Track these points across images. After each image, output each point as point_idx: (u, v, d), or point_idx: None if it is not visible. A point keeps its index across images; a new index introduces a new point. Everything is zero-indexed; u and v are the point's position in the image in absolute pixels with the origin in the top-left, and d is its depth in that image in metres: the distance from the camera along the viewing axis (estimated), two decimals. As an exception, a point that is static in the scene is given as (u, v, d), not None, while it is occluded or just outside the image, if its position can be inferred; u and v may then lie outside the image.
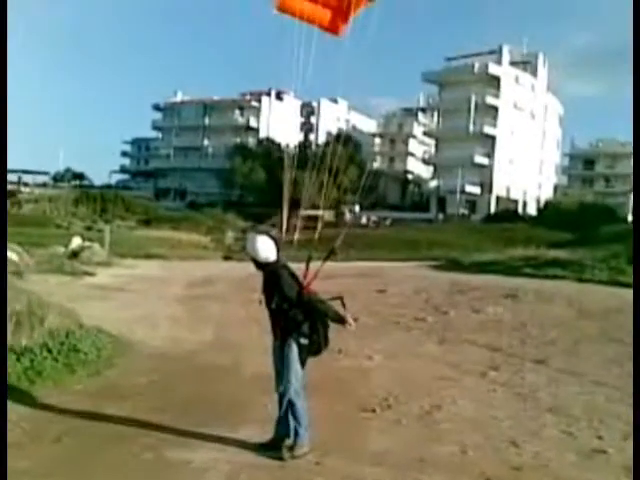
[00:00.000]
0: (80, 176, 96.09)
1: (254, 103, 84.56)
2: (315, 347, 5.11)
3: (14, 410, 5.77)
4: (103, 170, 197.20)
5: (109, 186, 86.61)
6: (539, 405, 6.86)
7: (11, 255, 17.48)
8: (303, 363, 5.10)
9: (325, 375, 7.95)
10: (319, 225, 6.19)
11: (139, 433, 5.37)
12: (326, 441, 5.38)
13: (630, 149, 80.00)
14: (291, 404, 5.01)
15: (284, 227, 5.55)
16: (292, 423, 5.03)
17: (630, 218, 58.88)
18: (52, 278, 16.47)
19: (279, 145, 72.30)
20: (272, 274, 5.06)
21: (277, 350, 5.17)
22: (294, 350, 5.01)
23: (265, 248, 5.04)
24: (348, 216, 62.29)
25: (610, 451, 5.41)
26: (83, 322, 9.00)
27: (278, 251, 5.10)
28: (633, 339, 6.59)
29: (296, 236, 5.69)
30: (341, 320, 5.11)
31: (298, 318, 5.00)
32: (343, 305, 5.23)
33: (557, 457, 5.27)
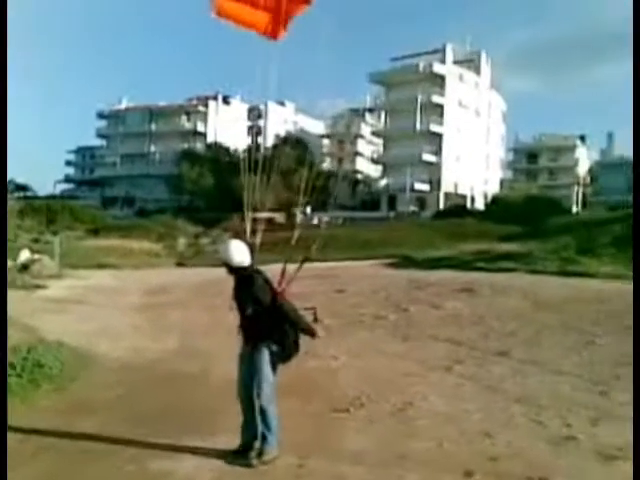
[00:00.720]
0: (23, 187, 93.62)
1: (201, 108, 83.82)
2: (287, 353, 5.12)
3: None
4: (47, 180, 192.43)
5: (54, 196, 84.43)
6: (507, 396, 7.00)
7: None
8: (274, 369, 5.10)
9: (293, 377, 7.94)
10: (295, 231, 6.25)
11: (116, 447, 5.28)
12: (304, 443, 5.41)
13: (572, 142, 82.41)
14: (262, 410, 5.00)
15: (248, 231, 5.51)
16: (261, 428, 5.01)
17: (575, 209, 60.61)
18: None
19: (227, 149, 71.88)
20: (246, 279, 5.05)
21: (246, 356, 5.13)
22: (266, 356, 5.00)
23: (239, 253, 5.04)
24: (300, 217, 62.31)
25: (580, 437, 5.57)
26: (43, 337, 8.81)
27: (251, 256, 5.11)
28: (633, 338, 6.78)
29: (258, 239, 5.61)
30: (311, 332, 5.16)
31: (271, 324, 4.98)
32: (315, 317, 5.39)
33: (530, 445, 5.40)
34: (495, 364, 8.70)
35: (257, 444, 5.03)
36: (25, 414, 6.12)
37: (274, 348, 5.01)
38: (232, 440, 5.34)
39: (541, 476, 4.67)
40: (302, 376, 8.05)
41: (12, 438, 5.43)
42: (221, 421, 6.04)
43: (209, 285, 18.97)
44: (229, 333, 10.15)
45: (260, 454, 4.97)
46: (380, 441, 5.56)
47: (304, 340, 9.83)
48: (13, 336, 7.99)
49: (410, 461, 5.00)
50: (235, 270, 5.07)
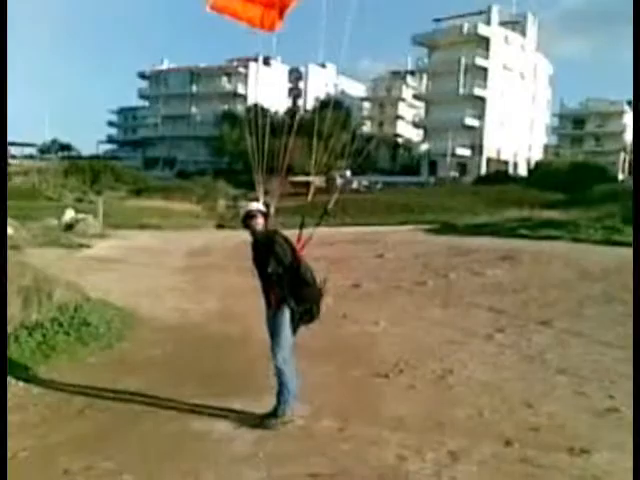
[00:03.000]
0: (67, 147, 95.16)
1: (241, 69, 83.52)
2: (309, 315, 5.10)
3: (33, 385, 5.82)
4: (90, 140, 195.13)
5: (97, 156, 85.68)
6: (548, 366, 6.94)
7: (13, 224, 17.40)
8: (294, 331, 5.10)
9: (334, 341, 8.06)
10: (311, 189, 6.19)
11: (160, 405, 5.42)
12: (345, 407, 5.46)
13: (620, 108, 79.94)
14: (279, 371, 5.03)
15: (261, 193, 5.48)
16: (277, 389, 5.07)
17: (621, 177, 59.03)
18: (49, 251, 16.39)
19: (268, 111, 71.67)
20: (266, 240, 5.03)
21: (271, 318, 5.14)
22: (286, 317, 5.00)
23: (258, 206, 5.11)
24: (339, 181, 62.12)
25: (623, 409, 5.51)
26: (89, 295, 9.00)
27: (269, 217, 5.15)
28: (633, 338, 6.65)
29: (273, 203, 5.55)
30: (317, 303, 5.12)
31: (293, 284, 4.97)
32: (323, 281, 5.21)
33: (571, 417, 5.36)
34: (537, 333, 8.61)
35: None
36: (72, 372, 6.31)
37: (297, 308, 5.00)
38: (271, 402, 5.43)
39: (582, 447, 4.64)
40: (343, 341, 8.14)
41: (59, 395, 5.63)
42: (262, 383, 6.11)
43: (247, 247, 19.04)
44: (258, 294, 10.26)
45: (276, 415, 5.02)
46: (420, 407, 5.58)
47: (344, 305, 9.91)
48: (58, 295, 8.17)
49: (450, 428, 5.02)
50: (255, 232, 5.08)
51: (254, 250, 5.16)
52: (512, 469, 4.33)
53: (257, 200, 5.30)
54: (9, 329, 6.85)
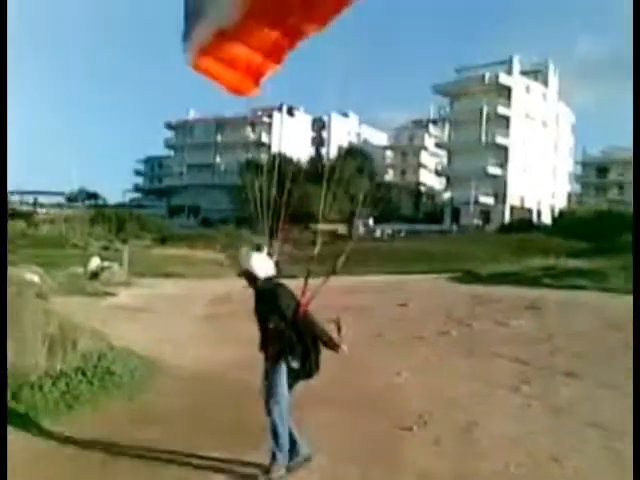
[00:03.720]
0: (94, 195, 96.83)
1: (265, 119, 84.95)
2: (307, 371, 4.99)
3: (56, 435, 5.83)
4: (116, 189, 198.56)
5: (123, 205, 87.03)
6: (576, 419, 6.80)
7: (33, 277, 17.63)
8: (290, 387, 5.00)
9: (356, 392, 7.99)
10: (318, 242, 6.15)
11: (181, 458, 5.39)
12: (367, 460, 5.39)
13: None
14: (273, 427, 4.92)
15: (267, 244, 5.37)
16: (271, 445, 4.95)
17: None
18: (75, 299, 16.53)
19: (291, 160, 72.61)
20: (269, 292, 4.95)
21: (268, 371, 5.03)
22: (283, 372, 4.90)
23: (263, 265, 5.00)
24: (362, 229, 62.35)
25: (655, 465, 5.35)
26: (113, 344, 9.05)
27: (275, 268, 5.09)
28: (633, 340, 6.53)
29: (276, 251, 5.42)
30: (334, 346, 5.00)
31: (293, 339, 4.86)
32: (339, 328, 5.08)
33: (600, 472, 5.24)
34: (563, 385, 8.46)
35: (295, 456, 5.03)
36: (94, 422, 6.31)
37: (294, 364, 4.90)
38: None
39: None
40: (366, 391, 8.05)
41: (81, 446, 5.62)
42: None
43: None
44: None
45: (268, 470, 4.91)
46: (445, 461, 5.48)
47: (367, 355, 9.84)
48: (83, 343, 8.24)
49: (475, 483, 4.92)
50: (256, 282, 5.00)
51: (256, 301, 5.07)
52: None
53: (259, 248, 5.23)
54: (34, 378, 6.90)
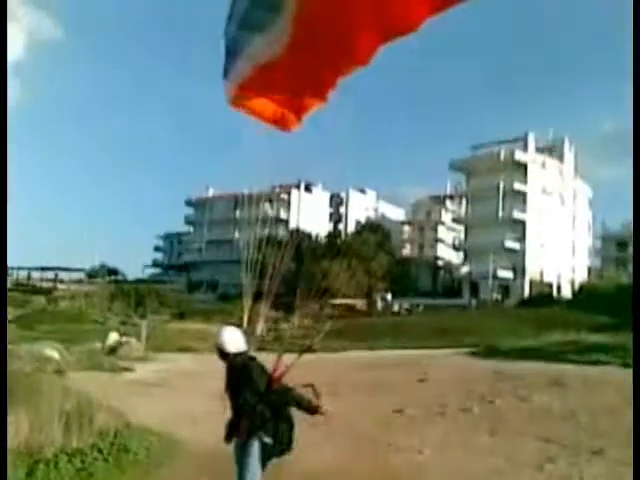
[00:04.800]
0: (114, 271, 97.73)
1: (283, 195, 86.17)
2: (280, 447, 4.80)
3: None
4: (136, 265, 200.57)
5: (142, 280, 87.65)
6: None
7: (53, 353, 17.72)
8: (264, 465, 4.80)
9: (377, 469, 7.81)
10: (295, 320, 6.05)
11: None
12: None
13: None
14: None
15: (245, 319, 5.30)
16: None
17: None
18: (92, 375, 16.52)
19: (309, 236, 73.16)
20: (239, 366, 4.86)
21: (239, 449, 4.84)
22: (255, 450, 4.71)
23: (233, 339, 4.93)
24: (380, 304, 62.09)
25: None
26: (129, 420, 8.99)
27: (247, 343, 4.99)
28: (633, 342, 6.38)
29: (259, 328, 5.36)
30: (315, 408, 4.87)
31: (265, 414, 4.70)
32: (316, 394, 4.95)
33: None
34: (589, 464, 8.21)
35: None
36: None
37: (267, 440, 4.70)
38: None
39: None
40: (386, 470, 7.87)
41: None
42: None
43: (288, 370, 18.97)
44: (310, 422, 10.11)
45: None
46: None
47: (387, 433, 9.67)
48: (99, 419, 8.20)
49: None
50: (228, 357, 4.92)
51: (228, 375, 4.95)
52: None
53: (239, 326, 5.15)
54: (49, 454, 6.85)
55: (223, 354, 4.94)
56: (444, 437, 10.08)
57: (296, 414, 4.98)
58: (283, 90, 4.47)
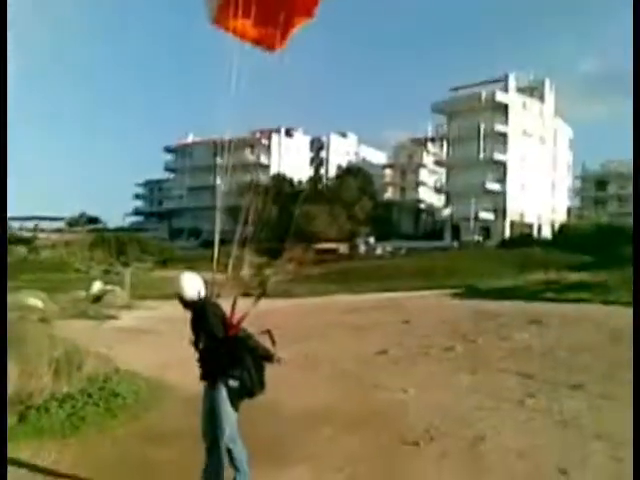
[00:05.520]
0: (94, 220, 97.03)
1: (264, 141, 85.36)
2: (247, 390, 4.79)
3: (62, 457, 5.83)
4: (117, 213, 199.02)
5: (123, 229, 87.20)
6: (582, 432, 6.79)
7: (36, 302, 17.68)
8: (236, 407, 4.82)
9: (362, 409, 7.99)
10: (267, 271, 5.94)
11: (189, 477, 5.37)
12: (375, 476, 5.38)
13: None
14: (228, 450, 4.78)
15: (215, 265, 5.21)
16: (233, 467, 4.82)
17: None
18: (77, 323, 16.57)
19: (290, 181, 72.83)
20: (199, 312, 4.85)
21: (207, 393, 4.89)
22: (223, 393, 4.72)
23: (191, 286, 4.90)
24: (363, 247, 62.46)
25: (663, 475, 5.34)
26: (117, 366, 9.06)
27: (206, 288, 4.98)
28: (633, 342, 6.55)
29: (243, 273, 5.41)
30: (269, 357, 4.85)
31: (225, 359, 4.71)
32: (272, 341, 4.97)
33: (609, 484, 5.22)
34: (569, 398, 8.43)
35: None
36: (101, 443, 6.31)
37: (233, 384, 4.71)
38: (304, 472, 5.39)
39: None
40: (371, 408, 8.04)
41: (89, 468, 5.62)
42: (293, 452, 6.08)
43: (271, 315, 19.18)
44: (296, 364, 10.25)
45: None
46: (451, 476, 5.48)
47: (371, 373, 9.83)
48: (88, 365, 8.26)
49: (484, 497, 4.92)
50: (188, 303, 4.89)
51: (191, 320, 4.94)
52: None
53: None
54: (39, 400, 6.92)
55: (184, 302, 4.90)
56: (428, 376, 10.28)
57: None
58: (266, 6, 4.35)
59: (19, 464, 5.65)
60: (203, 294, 4.92)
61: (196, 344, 4.86)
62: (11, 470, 5.48)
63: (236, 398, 4.78)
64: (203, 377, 4.88)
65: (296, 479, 5.35)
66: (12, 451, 5.92)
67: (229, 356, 4.71)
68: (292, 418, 7.44)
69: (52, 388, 7.12)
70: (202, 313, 4.81)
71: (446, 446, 6.34)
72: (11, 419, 6.48)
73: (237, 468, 4.82)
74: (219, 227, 5.29)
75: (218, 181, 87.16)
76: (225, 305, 4.90)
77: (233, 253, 5.21)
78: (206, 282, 5.02)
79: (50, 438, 6.24)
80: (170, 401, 8.36)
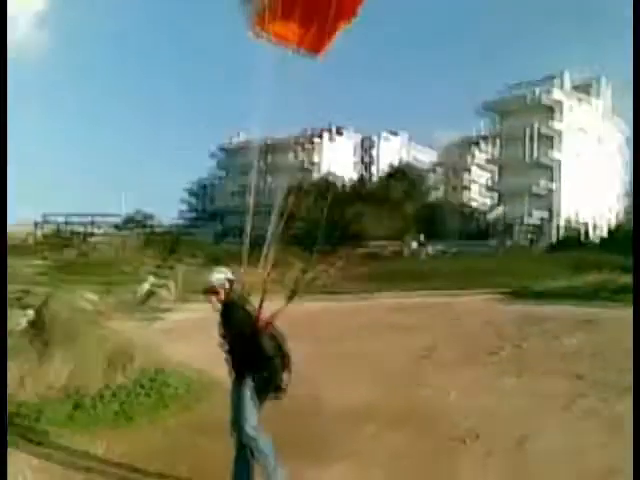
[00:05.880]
0: (149, 217, 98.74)
1: (315, 139, 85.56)
2: (273, 386, 4.91)
3: (117, 445, 6.10)
4: (170, 211, 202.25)
5: (176, 226, 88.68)
6: (629, 433, 6.72)
7: (86, 304, 18.18)
8: (260, 403, 4.94)
9: (406, 408, 8.07)
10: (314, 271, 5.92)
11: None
12: (421, 474, 5.48)
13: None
14: (253, 440, 4.85)
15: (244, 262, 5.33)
16: (258, 459, 4.88)
17: None
18: (128, 321, 16.95)
19: (340, 180, 72.93)
20: (227, 310, 4.99)
21: (234, 387, 5.00)
22: (247, 391, 4.84)
23: (219, 274, 5.10)
24: (411, 248, 62.09)
25: None
26: (168, 360, 9.35)
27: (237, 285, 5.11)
28: (633, 341, 6.44)
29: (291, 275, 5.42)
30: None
31: (251, 355, 4.82)
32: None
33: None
34: (618, 401, 8.34)
35: None
36: (153, 433, 6.57)
37: (257, 382, 4.85)
38: (348, 468, 5.52)
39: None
40: (415, 408, 8.10)
41: (139, 456, 5.85)
42: (336, 449, 6.21)
43: (314, 316, 19.37)
44: (341, 362, 10.38)
45: None
46: (497, 474, 5.53)
47: (416, 373, 9.86)
48: (140, 359, 8.55)
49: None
50: (219, 299, 5.02)
51: (220, 318, 5.07)
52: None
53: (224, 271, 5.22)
54: (92, 391, 7.23)
55: (215, 293, 5.05)
56: (472, 379, 10.26)
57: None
58: (308, 9, 4.34)
59: (73, 451, 5.93)
60: (230, 276, 5.09)
61: (225, 338, 5.00)
62: (64, 456, 5.78)
63: (261, 394, 4.92)
64: (232, 369, 5.02)
65: (339, 476, 5.47)
66: (67, 438, 6.24)
67: (256, 352, 4.83)
68: (336, 415, 7.58)
69: (106, 379, 7.43)
70: (231, 308, 4.96)
71: (491, 445, 6.38)
72: (66, 407, 6.81)
73: (266, 459, 4.89)
74: (249, 225, 5.44)
75: (269, 181, 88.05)
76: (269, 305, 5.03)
77: (271, 253, 5.31)
78: (237, 280, 5.16)
79: (104, 426, 6.53)
80: (219, 393, 8.57)
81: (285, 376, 4.93)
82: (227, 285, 5.06)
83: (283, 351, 4.93)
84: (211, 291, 5.07)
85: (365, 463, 5.72)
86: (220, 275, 5.09)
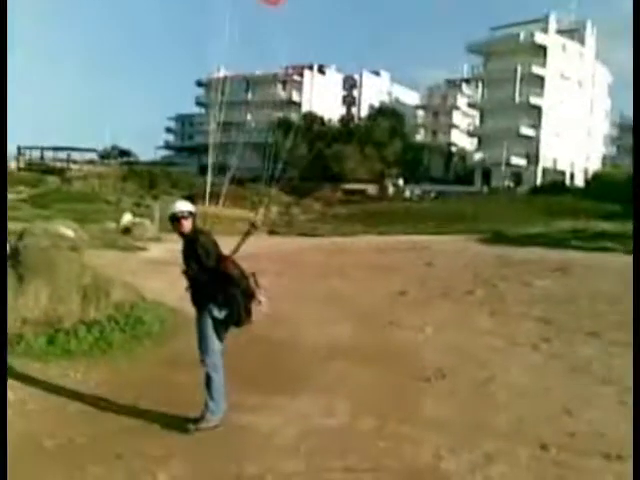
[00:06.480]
0: (126, 153, 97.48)
1: (296, 77, 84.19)
2: (234, 319, 4.98)
3: (91, 377, 6.17)
4: (148, 147, 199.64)
5: (155, 162, 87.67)
6: (593, 376, 6.92)
7: (67, 231, 18.03)
8: (221, 337, 5.04)
9: (378, 346, 8.22)
10: (259, 211, 6.01)
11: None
12: (385, 408, 5.62)
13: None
14: (207, 377, 4.98)
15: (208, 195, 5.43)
16: (205, 395, 5.00)
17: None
18: (107, 253, 16.90)
19: (322, 119, 72.17)
20: (191, 240, 4.99)
21: (197, 321, 5.10)
22: (208, 322, 4.94)
23: (183, 205, 5.11)
24: (391, 189, 62.20)
25: (666, 420, 5.48)
26: (144, 295, 9.36)
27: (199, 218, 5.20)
28: (633, 340, 6.61)
29: (271, 212, 5.46)
30: (251, 295, 5.01)
31: (212, 288, 4.88)
32: (256, 282, 5.08)
33: (613, 425, 5.36)
34: (583, 344, 8.55)
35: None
36: (127, 366, 6.64)
37: (218, 313, 4.92)
38: (317, 400, 5.64)
39: (619, 454, 4.66)
40: (387, 346, 8.26)
41: (114, 387, 5.95)
42: (307, 382, 6.34)
43: (300, 253, 19.46)
44: (318, 300, 10.49)
45: (198, 420, 4.95)
46: (459, 411, 5.69)
47: (390, 311, 10.02)
48: (115, 294, 8.56)
49: (488, 431, 5.12)
50: (182, 234, 5.04)
51: (183, 252, 5.08)
52: (545, 471, 4.42)
53: (191, 199, 5.25)
54: (67, 324, 7.24)
55: (180, 232, 5.05)
56: (446, 317, 10.45)
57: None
58: None
59: (46, 382, 5.98)
60: (192, 209, 5.09)
61: (186, 272, 5.02)
62: (37, 388, 5.83)
63: (222, 328, 5.03)
64: (193, 303, 5.10)
65: (305, 407, 5.59)
66: (41, 370, 6.29)
67: (217, 286, 4.89)
68: (309, 352, 7.70)
69: (80, 314, 7.43)
70: (194, 241, 4.96)
71: (456, 384, 6.55)
72: (40, 340, 6.83)
73: (211, 395, 5.00)
74: (211, 162, 5.43)
75: (248, 117, 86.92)
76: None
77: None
78: (199, 213, 5.22)
79: (78, 360, 6.58)
80: (194, 329, 8.65)
81: (245, 312, 5.01)
82: (189, 218, 5.04)
83: (241, 288, 4.95)
84: (175, 219, 5.04)
85: (330, 396, 5.86)
86: (183, 207, 5.06)
